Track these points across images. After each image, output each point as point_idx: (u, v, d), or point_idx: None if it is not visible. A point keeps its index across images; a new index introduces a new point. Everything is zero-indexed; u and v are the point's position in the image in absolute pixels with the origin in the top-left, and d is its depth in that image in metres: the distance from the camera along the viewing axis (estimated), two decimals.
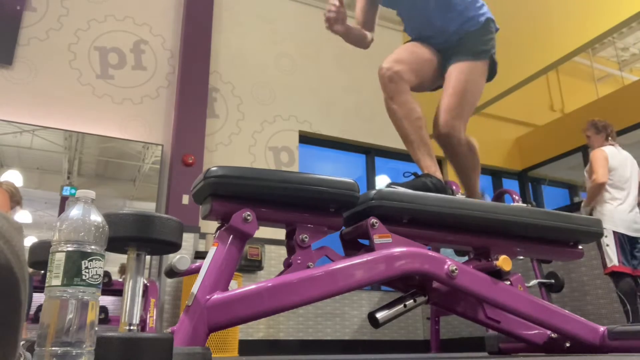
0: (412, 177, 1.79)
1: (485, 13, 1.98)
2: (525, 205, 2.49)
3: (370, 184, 5.60)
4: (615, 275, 3.28)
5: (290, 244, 1.43)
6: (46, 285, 0.71)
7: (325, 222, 1.44)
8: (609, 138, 3.67)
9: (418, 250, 1.46)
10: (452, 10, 1.94)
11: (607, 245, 3.31)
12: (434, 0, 1.95)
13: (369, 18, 2.17)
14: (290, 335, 4.49)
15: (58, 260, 0.71)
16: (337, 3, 1.89)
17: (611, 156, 3.54)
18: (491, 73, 2.00)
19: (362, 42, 2.14)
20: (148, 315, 3.26)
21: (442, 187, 1.74)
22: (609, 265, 3.30)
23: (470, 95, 1.90)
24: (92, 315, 0.71)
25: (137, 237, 1.26)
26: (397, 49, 1.98)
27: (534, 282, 3.53)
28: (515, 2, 4.43)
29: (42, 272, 2.44)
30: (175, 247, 1.36)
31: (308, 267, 1.36)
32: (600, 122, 3.72)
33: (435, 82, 2.05)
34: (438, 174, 1.79)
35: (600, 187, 3.46)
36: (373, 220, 1.45)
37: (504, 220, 1.64)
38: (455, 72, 1.89)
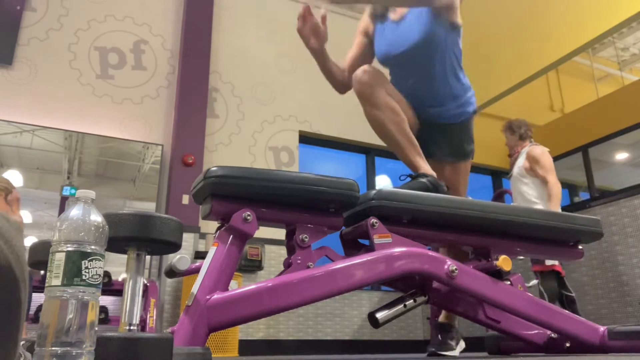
0: (408, 179, 1.78)
1: (473, 103, 2.01)
2: None
3: (370, 184, 5.60)
4: (548, 274, 3.31)
5: (290, 244, 1.43)
6: (46, 285, 0.71)
7: (325, 222, 1.44)
8: (526, 138, 3.67)
9: (418, 250, 1.46)
10: (449, 93, 1.94)
11: None
12: (434, 78, 1.92)
13: (354, 66, 2.08)
14: (290, 335, 4.49)
15: (58, 260, 0.71)
16: (310, 11, 1.86)
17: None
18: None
19: (333, 79, 2.08)
20: (148, 315, 3.26)
21: (440, 185, 1.73)
22: (548, 263, 3.32)
23: (463, 191, 2.10)
24: (92, 315, 0.71)
25: (137, 237, 1.26)
26: None
27: (534, 282, 3.53)
28: (515, 2, 4.43)
29: (42, 272, 2.44)
30: (175, 247, 1.36)
31: (308, 267, 1.36)
32: (515, 122, 3.74)
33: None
34: (432, 172, 1.78)
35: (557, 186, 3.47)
36: (373, 220, 1.45)
37: (504, 220, 1.64)
38: (451, 173, 2.05)
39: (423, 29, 1.87)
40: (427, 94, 1.94)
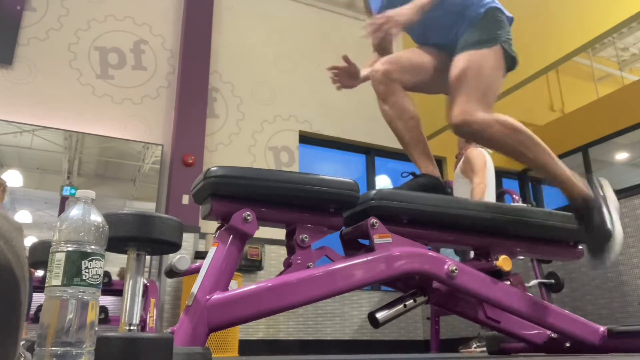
0: (410, 177, 1.78)
1: (488, 4, 1.81)
2: (525, 205, 2.47)
3: (370, 184, 5.60)
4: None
5: (290, 244, 1.43)
6: (46, 285, 0.71)
7: (325, 222, 1.44)
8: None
9: (418, 250, 1.46)
10: (453, 8, 1.83)
11: None
12: (437, 13, 1.83)
13: (382, 51, 2.05)
14: (290, 335, 4.48)
15: (58, 260, 0.71)
16: (336, 66, 1.92)
17: (488, 157, 3.54)
18: (510, 63, 1.79)
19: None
20: (148, 315, 3.26)
21: (441, 187, 1.73)
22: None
23: (479, 79, 1.68)
24: (92, 315, 0.71)
25: (137, 237, 1.26)
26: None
27: (534, 282, 3.54)
28: (515, 2, 4.43)
29: (42, 272, 2.44)
30: (175, 247, 1.36)
31: (308, 267, 1.36)
32: None
33: (440, 83, 1.91)
34: (436, 173, 1.78)
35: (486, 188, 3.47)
36: (373, 220, 1.45)
37: (504, 220, 1.64)
38: (456, 61, 1.74)
39: None
40: (438, 28, 1.87)
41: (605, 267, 1.57)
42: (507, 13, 1.85)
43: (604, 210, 1.60)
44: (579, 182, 1.64)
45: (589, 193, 1.62)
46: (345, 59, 1.91)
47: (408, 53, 1.92)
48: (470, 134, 1.66)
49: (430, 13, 1.82)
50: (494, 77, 1.73)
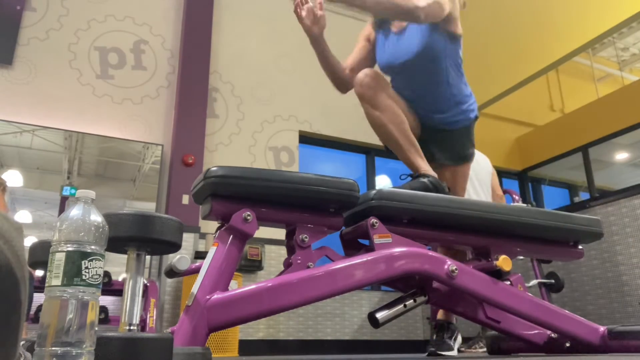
0: (409, 178, 1.78)
1: (475, 110, 2.02)
2: (525, 205, 2.48)
3: (370, 184, 5.60)
4: None
5: (290, 244, 1.43)
6: (46, 285, 0.71)
7: (325, 222, 1.44)
8: None
9: (418, 250, 1.46)
10: (450, 99, 1.94)
11: None
12: (434, 84, 1.92)
13: (354, 67, 2.11)
14: (290, 335, 4.48)
15: (58, 260, 0.71)
16: None
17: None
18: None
19: (334, 74, 2.05)
20: (148, 315, 3.26)
21: (441, 186, 1.74)
22: None
23: (461, 187, 2.11)
24: (92, 315, 0.71)
25: (137, 237, 1.26)
26: None
27: (534, 282, 3.54)
28: (515, 2, 4.43)
29: (42, 272, 2.44)
30: (175, 247, 1.36)
31: (308, 267, 1.36)
32: None
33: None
34: (432, 173, 1.79)
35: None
36: (373, 220, 1.45)
37: (504, 220, 1.64)
38: (450, 176, 2.06)
39: (422, 40, 1.90)
40: (430, 101, 1.96)
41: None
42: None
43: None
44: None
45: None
46: (320, 5, 1.86)
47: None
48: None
49: (423, 90, 1.92)
50: (465, 186, 2.14)
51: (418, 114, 1.99)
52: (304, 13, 1.85)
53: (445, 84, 1.92)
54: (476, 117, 2.03)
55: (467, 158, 2.08)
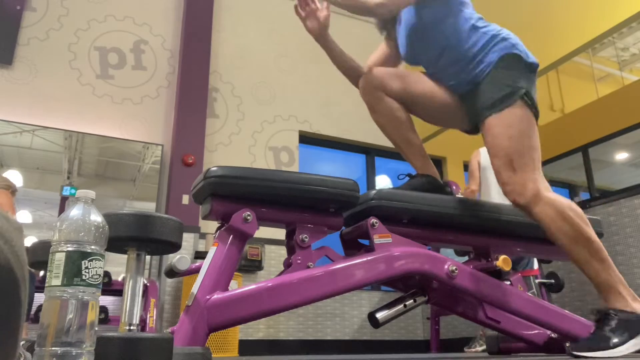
0: (407, 178, 1.78)
1: (500, 50, 1.68)
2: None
3: (370, 184, 5.60)
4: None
5: (290, 244, 1.43)
6: (46, 285, 0.71)
7: (326, 222, 1.44)
8: None
9: (418, 250, 1.46)
10: (464, 58, 1.72)
11: None
12: (444, 50, 1.77)
13: (376, 63, 2.00)
14: (290, 335, 4.49)
15: (58, 260, 0.71)
16: None
17: (483, 154, 3.49)
18: (535, 113, 1.64)
19: (349, 69, 1.88)
20: (148, 315, 3.26)
21: (439, 186, 1.73)
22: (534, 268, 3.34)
23: (517, 143, 1.55)
24: (92, 315, 0.71)
25: (137, 237, 1.26)
26: None
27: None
28: (515, 2, 4.43)
29: (42, 272, 2.44)
30: (175, 247, 1.36)
31: (308, 267, 1.36)
32: None
33: (448, 117, 1.84)
34: (433, 173, 1.78)
35: (471, 195, 3.43)
36: (373, 220, 1.45)
37: (504, 220, 1.64)
38: (486, 131, 1.63)
39: (417, 17, 1.81)
40: (450, 65, 1.77)
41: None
42: (531, 57, 1.71)
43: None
44: (628, 293, 1.50)
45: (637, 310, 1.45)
46: (327, 6, 1.80)
47: (405, 71, 1.86)
48: (521, 206, 1.53)
49: (442, 59, 1.76)
50: (527, 133, 1.58)
51: (452, 88, 1.79)
52: (304, 13, 1.84)
53: (454, 44, 1.74)
54: (504, 56, 1.66)
55: (501, 103, 1.59)
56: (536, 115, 1.63)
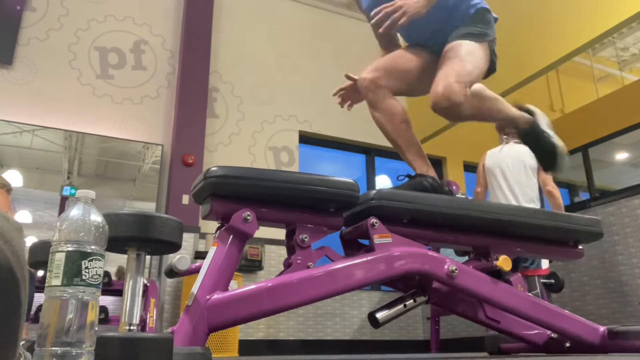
0: (406, 179, 1.78)
1: (476, 4, 1.86)
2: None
3: (370, 184, 5.60)
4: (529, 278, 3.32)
5: (290, 244, 1.43)
6: (46, 285, 0.71)
7: (325, 222, 1.44)
8: (503, 134, 3.63)
9: (418, 250, 1.46)
10: (442, 8, 1.81)
11: None
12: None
13: (387, 43, 2.10)
14: (290, 335, 4.48)
15: (58, 260, 0.71)
16: (342, 87, 2.02)
17: (489, 157, 3.54)
18: (490, 68, 1.85)
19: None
20: (148, 315, 3.26)
21: (439, 186, 1.73)
22: (543, 267, 3.33)
23: (467, 60, 1.71)
24: (92, 315, 0.71)
25: (137, 237, 1.26)
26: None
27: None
28: (515, 2, 4.43)
29: (42, 272, 2.44)
30: (175, 247, 1.36)
31: (308, 267, 1.36)
32: None
33: (427, 84, 1.87)
34: (432, 173, 1.78)
35: (478, 196, 3.47)
36: (373, 220, 1.45)
37: (504, 220, 1.64)
38: (447, 49, 1.76)
39: None
40: (427, 28, 1.87)
41: (562, 171, 1.91)
42: (493, 14, 1.94)
43: (544, 128, 1.91)
44: (523, 114, 1.93)
45: (532, 119, 1.92)
46: (348, 77, 1.98)
47: (394, 57, 1.92)
48: (446, 114, 1.69)
49: (423, 23, 1.84)
50: (481, 64, 1.78)
51: (429, 51, 1.91)
52: (351, 100, 2.04)
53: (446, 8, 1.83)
54: (478, 10, 1.84)
55: (479, 35, 1.77)
56: (492, 69, 1.88)
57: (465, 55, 1.72)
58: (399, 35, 2.11)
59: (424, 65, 1.90)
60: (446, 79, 1.65)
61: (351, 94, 2.04)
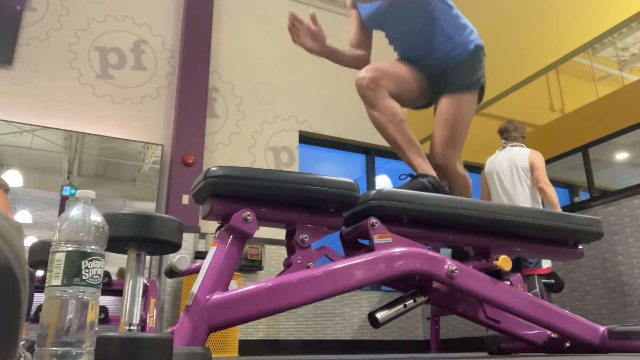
0: (408, 178, 1.78)
1: (474, 40, 1.97)
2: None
3: (370, 184, 5.60)
4: (532, 277, 3.33)
5: (290, 244, 1.43)
6: (46, 285, 0.71)
7: (325, 222, 1.44)
8: (504, 140, 3.71)
9: (418, 250, 1.46)
10: (441, 34, 1.93)
11: None
12: (421, 23, 1.94)
13: (361, 40, 2.16)
14: (290, 335, 4.49)
15: (58, 260, 0.71)
16: (298, 18, 1.90)
17: (487, 163, 3.66)
18: (481, 95, 2.03)
19: (352, 64, 2.12)
20: (148, 315, 3.26)
21: (440, 186, 1.74)
22: (544, 267, 3.35)
23: (462, 127, 1.94)
24: (92, 315, 0.71)
25: (137, 237, 1.26)
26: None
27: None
28: (515, 2, 4.43)
29: (42, 272, 2.44)
30: (175, 247, 1.36)
31: (308, 267, 1.36)
32: (502, 125, 3.81)
33: (417, 100, 2.04)
34: (432, 173, 1.79)
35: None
36: (373, 220, 1.45)
37: (504, 220, 1.64)
38: (446, 104, 1.92)
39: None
40: (422, 42, 1.97)
41: None
42: (484, 51, 2.04)
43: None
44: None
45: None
46: (313, 18, 1.90)
47: (392, 62, 1.98)
48: (442, 174, 1.92)
49: (416, 35, 1.93)
50: (470, 121, 1.99)
51: (421, 69, 2.00)
52: (299, 39, 1.90)
53: (432, 20, 1.92)
54: (477, 47, 1.96)
55: (467, 87, 1.94)
56: (480, 96, 2.01)
57: (459, 120, 1.93)
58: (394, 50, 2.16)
59: (414, 79, 1.98)
60: (442, 146, 1.92)
61: (304, 34, 1.93)
